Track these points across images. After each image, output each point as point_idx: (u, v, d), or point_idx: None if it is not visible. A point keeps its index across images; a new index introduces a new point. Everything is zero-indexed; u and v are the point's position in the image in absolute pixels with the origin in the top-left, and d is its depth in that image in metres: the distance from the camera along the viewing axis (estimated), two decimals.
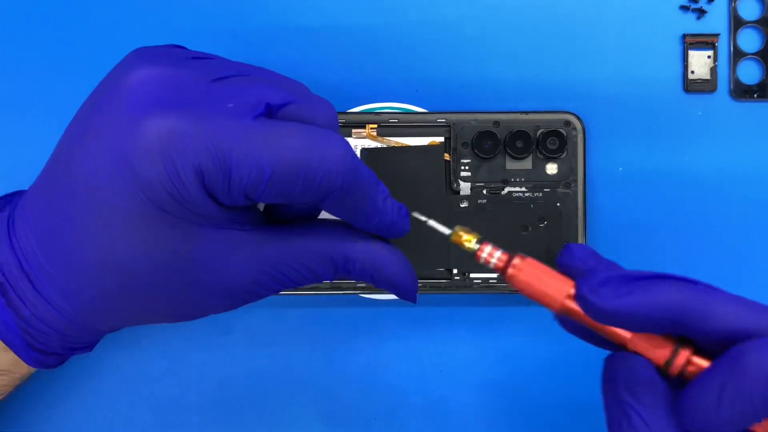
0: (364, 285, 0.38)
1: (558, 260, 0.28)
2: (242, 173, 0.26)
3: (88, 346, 0.33)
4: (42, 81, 0.39)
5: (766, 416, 0.24)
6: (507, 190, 0.38)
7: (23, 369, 0.32)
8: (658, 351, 0.26)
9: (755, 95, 0.39)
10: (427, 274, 0.38)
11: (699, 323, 0.25)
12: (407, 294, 0.31)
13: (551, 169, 0.38)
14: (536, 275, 0.27)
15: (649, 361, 0.26)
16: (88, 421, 0.39)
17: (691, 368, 0.26)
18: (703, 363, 0.26)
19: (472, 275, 0.38)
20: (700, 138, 0.39)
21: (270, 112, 0.28)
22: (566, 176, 0.38)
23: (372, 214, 0.29)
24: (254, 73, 0.29)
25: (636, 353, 0.27)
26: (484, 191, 0.38)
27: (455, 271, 0.38)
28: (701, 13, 0.39)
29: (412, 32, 0.40)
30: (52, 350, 0.31)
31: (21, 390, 0.39)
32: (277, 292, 0.30)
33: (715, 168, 0.39)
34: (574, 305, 0.27)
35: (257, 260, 0.29)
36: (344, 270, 0.30)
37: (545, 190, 0.38)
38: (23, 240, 0.29)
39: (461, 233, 0.29)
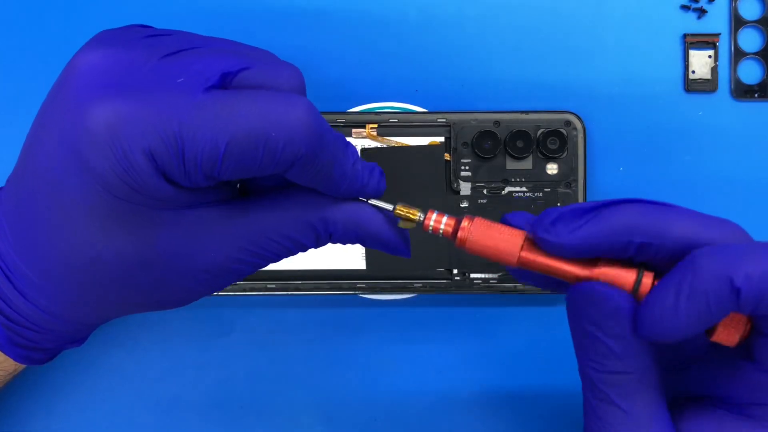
0: (364, 285, 0.38)
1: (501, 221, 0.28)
2: (196, 151, 0.25)
3: (78, 341, 0.32)
4: (41, 80, 0.39)
5: (724, 315, 0.24)
6: (507, 190, 0.38)
7: (11, 365, 0.32)
8: (622, 279, 0.25)
9: (756, 95, 0.39)
10: (427, 274, 0.38)
11: (657, 239, 0.24)
12: (398, 248, 0.29)
13: (551, 169, 0.38)
14: (487, 234, 0.26)
15: (611, 287, 0.25)
16: (88, 421, 0.39)
17: None
18: None
19: (472, 275, 0.38)
20: (700, 138, 0.39)
21: (225, 82, 0.26)
22: (566, 176, 0.38)
23: (341, 180, 0.27)
24: (213, 44, 0.28)
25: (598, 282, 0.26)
26: (485, 191, 0.38)
27: (455, 271, 0.38)
28: (702, 12, 0.39)
29: (413, 32, 0.40)
30: (37, 346, 0.31)
31: (20, 389, 0.39)
32: (260, 266, 0.29)
33: (716, 168, 0.39)
34: (528, 255, 0.26)
35: (231, 237, 0.27)
36: (326, 233, 0.28)
37: (545, 190, 0.38)
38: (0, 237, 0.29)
39: (402, 208, 0.28)
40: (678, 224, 0.25)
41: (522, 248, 0.26)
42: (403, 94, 0.39)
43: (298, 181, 0.27)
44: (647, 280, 0.25)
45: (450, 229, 0.27)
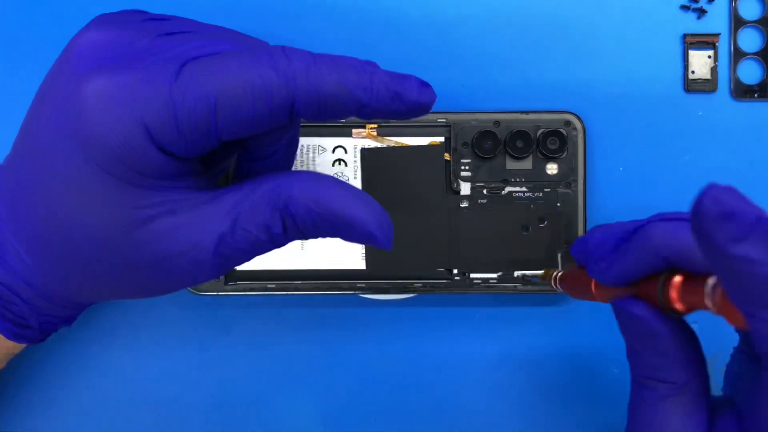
0: (364, 285, 0.38)
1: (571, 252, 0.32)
2: (188, 111, 0.25)
3: (67, 320, 0.33)
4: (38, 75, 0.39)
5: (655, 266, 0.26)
6: (507, 190, 0.38)
7: (6, 343, 0.32)
8: (650, 291, 0.27)
9: (756, 95, 0.39)
10: (427, 274, 0.38)
11: (691, 253, 0.25)
12: (371, 234, 0.27)
13: (551, 169, 0.38)
14: (570, 284, 0.33)
15: (647, 305, 0.26)
16: (88, 421, 0.39)
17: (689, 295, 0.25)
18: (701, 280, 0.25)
19: (472, 275, 0.38)
20: (700, 138, 0.39)
21: None
22: (566, 176, 0.38)
23: (364, 94, 0.26)
24: (209, 29, 0.29)
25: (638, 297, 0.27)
26: (485, 191, 0.38)
27: (455, 271, 0.38)
28: (702, 12, 0.39)
29: (412, 32, 0.40)
30: (24, 322, 0.31)
31: (20, 389, 0.39)
32: (237, 259, 0.28)
33: (716, 168, 0.39)
34: (600, 292, 0.29)
35: (197, 223, 0.27)
36: (288, 215, 0.27)
37: (545, 190, 0.38)
38: None
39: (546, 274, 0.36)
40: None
41: (594, 288, 0.30)
42: None
43: (320, 120, 0.26)
44: (675, 280, 0.25)
45: (554, 283, 0.35)
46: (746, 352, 0.29)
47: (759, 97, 0.39)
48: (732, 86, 0.39)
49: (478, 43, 0.40)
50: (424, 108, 0.27)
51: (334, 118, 0.27)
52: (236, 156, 0.31)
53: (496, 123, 0.38)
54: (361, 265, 0.38)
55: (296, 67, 0.25)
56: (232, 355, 0.39)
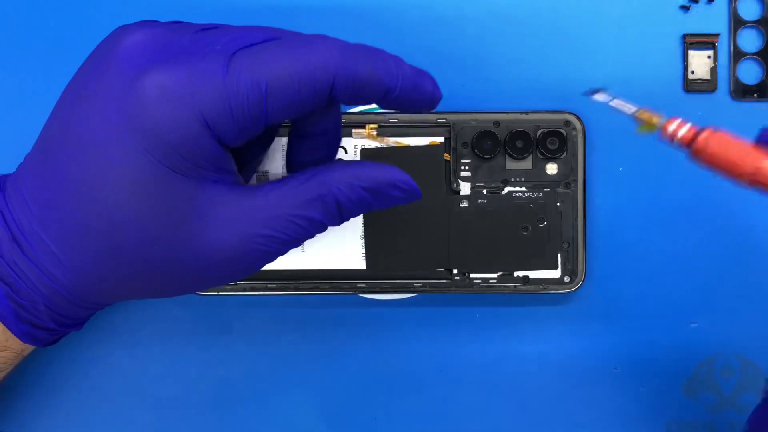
0: (364, 285, 0.38)
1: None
2: (241, 99, 0.27)
3: (79, 323, 0.33)
4: (40, 76, 0.39)
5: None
6: (507, 190, 0.38)
7: (17, 345, 0.32)
8: None
9: (755, 95, 0.39)
10: (427, 274, 0.38)
11: None
12: (410, 187, 0.30)
13: (551, 169, 0.38)
14: (726, 146, 0.27)
15: None
16: (88, 421, 0.39)
17: None
18: None
19: (472, 275, 0.38)
20: None
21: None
22: (566, 176, 0.38)
23: (391, 80, 0.29)
24: (233, 26, 0.30)
25: None
26: (484, 191, 0.38)
27: (455, 271, 0.38)
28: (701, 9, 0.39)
29: (412, 32, 0.40)
30: (43, 324, 0.31)
31: (20, 389, 0.39)
32: (278, 251, 0.30)
33: None
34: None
35: (241, 218, 0.29)
36: (332, 200, 0.29)
37: (545, 190, 0.38)
38: (17, 213, 0.29)
39: (644, 112, 0.28)
40: None
41: (759, 168, 0.26)
42: None
43: (355, 103, 0.29)
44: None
45: (690, 136, 0.27)
46: None
47: (758, 97, 0.39)
48: (732, 86, 0.39)
49: (478, 43, 0.40)
50: (436, 102, 0.30)
51: (364, 102, 0.29)
52: (288, 141, 0.32)
53: (496, 123, 0.38)
54: (361, 265, 0.38)
55: (335, 54, 0.28)
56: (232, 355, 0.39)
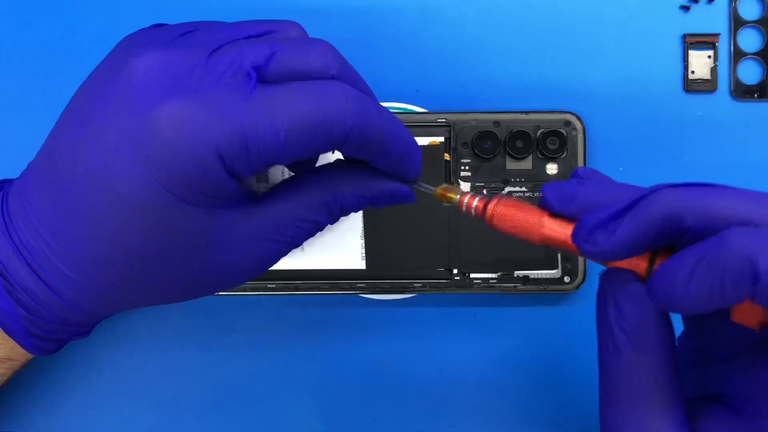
0: (364, 285, 0.38)
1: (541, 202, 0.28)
2: (259, 145, 0.27)
3: (86, 332, 0.33)
4: (39, 77, 0.39)
5: (738, 299, 0.23)
6: (507, 190, 0.38)
7: (21, 356, 0.32)
8: (637, 266, 0.25)
9: (755, 95, 0.39)
10: (427, 274, 0.38)
11: (700, 222, 0.24)
12: (406, 195, 0.31)
13: (551, 169, 0.38)
14: (511, 213, 0.28)
15: (635, 274, 0.25)
16: (88, 421, 0.39)
17: None
18: None
19: (472, 275, 0.38)
20: (700, 138, 0.39)
21: (263, 73, 0.28)
22: (566, 176, 0.38)
23: (393, 151, 0.29)
24: (240, 30, 0.30)
25: (624, 267, 0.26)
26: (484, 191, 0.38)
27: (455, 271, 0.38)
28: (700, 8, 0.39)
29: (412, 32, 0.40)
30: (50, 336, 0.32)
31: (20, 389, 0.39)
32: (283, 253, 0.31)
33: (716, 168, 0.39)
34: (550, 234, 0.27)
35: (254, 231, 0.30)
36: (336, 205, 0.30)
37: None
38: (22, 229, 0.29)
39: (443, 191, 0.30)
40: (720, 203, 0.24)
41: (543, 228, 0.27)
42: (403, 94, 0.39)
43: (354, 156, 0.29)
44: (662, 260, 0.25)
45: (480, 206, 0.29)
46: (704, 349, 0.28)
47: (759, 97, 0.39)
48: (732, 86, 0.39)
49: (478, 43, 0.40)
50: (417, 176, 0.31)
51: (363, 156, 0.29)
52: None
53: (496, 123, 0.38)
54: (361, 265, 0.38)
55: (353, 106, 0.28)
56: (232, 355, 0.39)
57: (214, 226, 0.29)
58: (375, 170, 0.30)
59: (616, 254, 0.25)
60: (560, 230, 0.27)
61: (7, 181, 0.33)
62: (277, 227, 0.30)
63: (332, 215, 0.31)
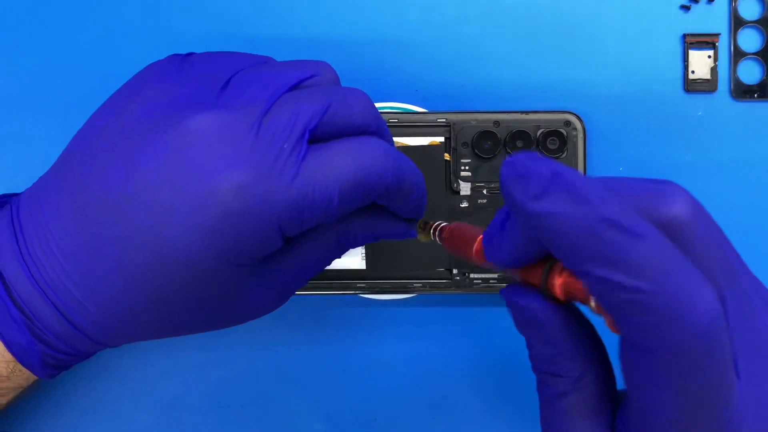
0: (364, 285, 0.38)
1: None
2: (314, 209, 0.28)
3: (92, 354, 0.33)
4: (42, 82, 0.39)
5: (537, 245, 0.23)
6: None
7: (23, 380, 0.32)
8: (534, 277, 0.25)
9: (755, 95, 0.39)
10: (427, 274, 0.38)
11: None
12: (409, 233, 0.32)
13: None
14: (454, 237, 0.29)
15: (528, 292, 0.25)
16: (88, 421, 0.39)
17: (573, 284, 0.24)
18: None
19: (472, 275, 0.38)
20: (700, 138, 0.39)
21: (313, 134, 0.28)
22: None
23: (413, 200, 0.31)
24: (280, 79, 0.29)
25: (525, 283, 0.25)
26: (485, 191, 0.38)
27: (455, 271, 0.38)
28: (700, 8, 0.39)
29: (412, 32, 0.40)
30: (65, 365, 0.32)
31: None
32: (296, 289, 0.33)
33: (716, 168, 0.39)
34: (482, 259, 0.27)
35: (278, 282, 0.31)
36: (347, 243, 0.32)
37: None
38: (42, 262, 0.29)
39: (419, 229, 0.32)
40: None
41: (477, 252, 0.27)
42: (403, 94, 0.39)
43: (384, 204, 0.31)
44: (557, 271, 0.24)
45: (441, 235, 0.30)
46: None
47: (759, 97, 0.39)
48: (732, 86, 0.39)
49: (477, 44, 0.40)
50: (421, 216, 0.32)
51: (384, 203, 0.31)
52: None
53: (496, 123, 0.38)
54: (361, 265, 0.38)
55: (391, 164, 0.29)
56: (232, 355, 0.39)
57: (250, 280, 0.29)
58: (382, 210, 0.31)
59: (511, 264, 0.25)
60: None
61: (9, 197, 0.32)
62: (299, 271, 0.31)
63: (342, 251, 0.32)
